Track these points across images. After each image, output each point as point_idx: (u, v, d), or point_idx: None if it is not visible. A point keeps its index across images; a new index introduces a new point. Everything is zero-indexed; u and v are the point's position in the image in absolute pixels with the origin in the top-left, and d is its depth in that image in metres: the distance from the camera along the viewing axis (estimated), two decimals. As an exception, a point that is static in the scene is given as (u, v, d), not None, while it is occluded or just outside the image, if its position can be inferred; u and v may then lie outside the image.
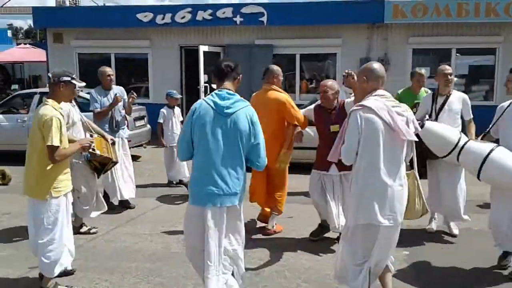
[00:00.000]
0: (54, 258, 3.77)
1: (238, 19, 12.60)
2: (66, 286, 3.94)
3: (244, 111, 3.16)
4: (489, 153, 4.00)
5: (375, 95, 3.23)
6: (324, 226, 5.06)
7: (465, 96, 5.22)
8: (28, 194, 3.87)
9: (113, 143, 5.15)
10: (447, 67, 5.37)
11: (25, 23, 52.94)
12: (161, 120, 7.45)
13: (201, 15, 12.73)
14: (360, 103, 3.22)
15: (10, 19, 49.39)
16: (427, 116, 5.10)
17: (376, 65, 3.36)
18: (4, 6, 25.86)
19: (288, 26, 12.58)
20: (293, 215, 5.88)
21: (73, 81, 3.86)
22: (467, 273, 4.34)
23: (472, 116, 5.10)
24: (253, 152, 3.20)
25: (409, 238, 5.20)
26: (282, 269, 4.39)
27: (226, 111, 3.12)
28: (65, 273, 4.07)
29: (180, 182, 7.47)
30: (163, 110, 7.52)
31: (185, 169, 7.33)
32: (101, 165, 4.99)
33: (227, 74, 3.26)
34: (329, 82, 4.98)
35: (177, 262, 4.48)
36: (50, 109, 3.70)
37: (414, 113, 4.06)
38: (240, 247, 3.28)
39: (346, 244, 3.38)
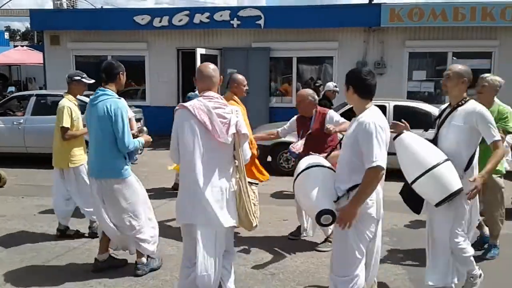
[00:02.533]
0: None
1: (235, 22, 12.63)
2: None
3: (103, 103, 3.87)
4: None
5: (202, 95, 3.17)
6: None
7: (480, 108, 3.44)
8: (56, 165, 5.05)
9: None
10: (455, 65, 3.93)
11: (22, 25, 52.98)
12: None
13: (198, 18, 12.76)
14: (180, 103, 3.24)
15: (8, 21, 49.52)
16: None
17: (204, 67, 3.25)
18: (1, 8, 25.84)
19: (285, 29, 12.62)
20: (288, 218, 5.88)
21: (83, 80, 5.02)
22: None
23: (496, 138, 3.37)
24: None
25: (402, 240, 5.21)
26: (277, 271, 4.39)
27: (92, 103, 3.96)
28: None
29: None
30: None
31: None
32: None
33: (110, 77, 4.04)
34: (303, 91, 5.14)
35: (172, 265, 4.47)
36: (65, 100, 4.99)
37: None
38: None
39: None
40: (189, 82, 13.33)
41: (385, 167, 2.89)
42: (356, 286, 3.03)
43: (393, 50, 12.41)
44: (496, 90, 4.50)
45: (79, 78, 4.98)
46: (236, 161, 3.15)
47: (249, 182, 3.20)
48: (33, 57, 19.73)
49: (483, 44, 12.13)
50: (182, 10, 13.03)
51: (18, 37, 48.57)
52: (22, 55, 20.86)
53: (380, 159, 2.84)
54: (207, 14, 12.76)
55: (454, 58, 12.36)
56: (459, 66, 3.63)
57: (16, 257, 4.66)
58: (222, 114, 3.07)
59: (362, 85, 3.01)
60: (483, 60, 12.38)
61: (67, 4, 17.22)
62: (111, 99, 3.88)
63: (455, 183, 3.22)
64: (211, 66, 3.27)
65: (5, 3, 26.36)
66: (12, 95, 11.52)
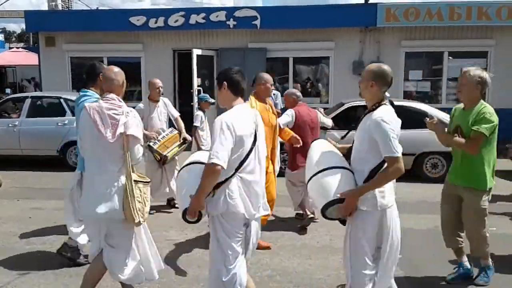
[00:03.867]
0: None
1: (231, 22, 12.61)
2: None
3: (83, 104, 3.81)
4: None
5: (102, 97, 3.46)
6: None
7: (380, 117, 2.93)
8: None
9: (184, 143, 6.31)
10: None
11: (18, 26, 52.79)
12: (197, 124, 7.04)
13: (194, 18, 12.72)
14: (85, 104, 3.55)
15: (3, 22, 49.30)
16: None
17: (107, 70, 3.52)
18: (-4, 9, 25.73)
19: (281, 29, 12.60)
20: (284, 220, 5.87)
21: None
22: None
23: (394, 155, 2.87)
24: None
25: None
26: (274, 273, 4.37)
27: (76, 104, 4.20)
28: None
29: None
30: (201, 114, 7.14)
31: None
32: (160, 158, 6.05)
33: (90, 79, 4.21)
34: (291, 90, 5.88)
35: (169, 268, 4.45)
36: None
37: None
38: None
39: None
40: (184, 83, 13.37)
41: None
42: (233, 282, 3.06)
43: (389, 50, 12.41)
44: (479, 87, 3.80)
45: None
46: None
47: (135, 181, 3.35)
48: (29, 58, 19.66)
49: (479, 44, 12.15)
50: (178, 10, 12.99)
51: (13, 39, 48.39)
52: (17, 56, 20.80)
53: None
54: (203, 14, 12.73)
55: (450, 57, 12.38)
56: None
57: (11, 261, 4.62)
58: (113, 115, 3.30)
59: (234, 83, 3.13)
60: (479, 60, 12.40)
61: (62, 5, 17.17)
62: (89, 98, 4.03)
63: (335, 193, 2.95)
64: (115, 69, 3.52)
65: (0, 5, 26.26)
66: (8, 97, 11.46)
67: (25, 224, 5.74)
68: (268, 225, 5.72)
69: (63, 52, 13.60)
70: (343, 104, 8.86)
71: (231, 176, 2.98)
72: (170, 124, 6.68)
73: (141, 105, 6.39)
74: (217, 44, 13.02)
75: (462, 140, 3.79)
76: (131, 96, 13.69)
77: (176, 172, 6.20)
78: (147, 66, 13.36)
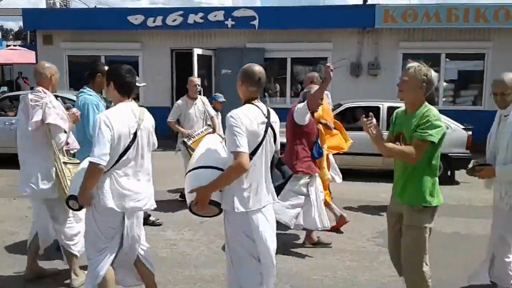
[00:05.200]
0: None
1: (229, 22, 12.61)
2: None
3: (79, 99, 4.37)
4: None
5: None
6: None
7: (229, 114, 2.91)
8: None
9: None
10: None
11: (15, 24, 52.67)
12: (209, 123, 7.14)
13: (192, 18, 12.71)
14: None
15: (0, 20, 49.13)
16: None
17: (37, 65, 4.00)
18: (-6, 7, 25.64)
19: (279, 30, 12.60)
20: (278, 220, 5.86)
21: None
22: (456, 275, 4.35)
23: (237, 150, 2.82)
24: None
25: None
26: (270, 274, 4.37)
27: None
28: None
29: None
30: (214, 113, 7.23)
31: None
32: None
33: (89, 76, 4.52)
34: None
35: (165, 267, 4.44)
36: None
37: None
38: None
39: None
40: (183, 82, 13.33)
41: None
42: (96, 271, 3.23)
43: (387, 51, 12.43)
44: (423, 87, 3.18)
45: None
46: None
47: (64, 162, 3.81)
48: (26, 56, 19.59)
49: (477, 46, 12.18)
50: (176, 10, 12.98)
51: (11, 37, 48.24)
52: (15, 54, 20.71)
53: None
54: (201, 14, 12.73)
55: (448, 59, 12.41)
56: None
57: (7, 259, 4.61)
58: (34, 105, 3.77)
59: (121, 82, 3.23)
60: (476, 62, 12.44)
61: (60, 3, 17.12)
62: (83, 95, 4.42)
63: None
64: (46, 65, 3.98)
65: (-2, 2, 26.17)
66: (4, 95, 11.41)
67: (21, 223, 5.72)
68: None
69: (61, 50, 13.57)
70: (341, 105, 8.87)
71: (106, 172, 3.11)
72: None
73: (179, 101, 6.79)
74: (215, 43, 13.02)
75: (405, 148, 3.14)
76: (128, 95, 13.66)
77: None
78: (145, 65, 13.34)
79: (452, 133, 7.87)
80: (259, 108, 3.04)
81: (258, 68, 3.09)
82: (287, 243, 5.20)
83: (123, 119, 3.14)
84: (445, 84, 12.53)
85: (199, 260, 4.69)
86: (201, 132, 6.37)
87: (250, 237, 3.01)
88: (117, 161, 3.12)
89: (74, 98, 9.25)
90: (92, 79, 4.50)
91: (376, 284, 4.22)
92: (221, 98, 7.58)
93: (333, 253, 4.78)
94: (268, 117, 3.04)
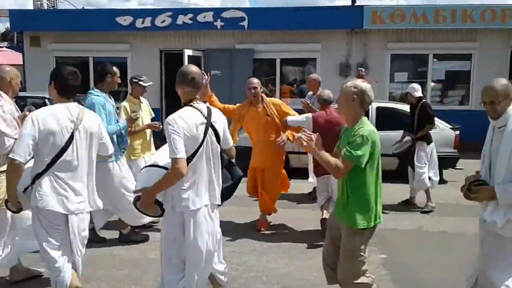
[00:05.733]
0: None
1: (218, 23, 12.60)
2: None
3: (87, 100, 4.72)
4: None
5: None
6: None
7: (167, 119, 3.05)
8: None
9: None
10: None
11: (2, 25, 51.95)
12: None
13: (181, 19, 12.68)
14: None
15: (-13, 21, 48.40)
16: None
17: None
18: (-20, 8, 25.31)
19: (268, 30, 12.62)
20: (271, 220, 5.88)
21: (139, 82, 5.67)
22: (445, 275, 4.39)
23: (175, 156, 2.97)
24: None
25: (385, 241, 5.25)
26: (260, 274, 4.38)
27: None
28: None
29: None
30: None
31: None
32: None
33: (97, 79, 4.98)
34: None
35: (154, 269, 4.41)
36: (125, 101, 5.69)
37: None
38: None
39: None
40: (172, 83, 13.27)
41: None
42: (57, 274, 3.23)
43: (376, 52, 12.51)
44: (355, 99, 3.11)
45: (136, 80, 5.63)
46: None
47: (1, 171, 3.61)
48: (13, 58, 19.38)
49: (463, 46, 12.30)
50: (165, 11, 12.94)
51: (-3, 38, 47.63)
52: (1, 56, 20.48)
53: None
54: (190, 15, 12.70)
55: (435, 60, 12.52)
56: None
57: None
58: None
59: (61, 84, 3.26)
60: (463, 62, 12.58)
61: (47, 4, 16.97)
62: (90, 96, 4.77)
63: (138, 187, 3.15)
64: (6, 68, 3.93)
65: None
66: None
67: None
68: (255, 226, 5.74)
69: (48, 52, 13.45)
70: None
71: (42, 172, 3.13)
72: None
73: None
74: (204, 44, 12.99)
75: (333, 161, 3.06)
76: (117, 96, 13.59)
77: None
78: (133, 66, 13.26)
79: (439, 132, 7.95)
80: (198, 109, 3.08)
81: (192, 69, 3.15)
82: (277, 243, 5.21)
83: (56, 119, 3.14)
84: (432, 84, 12.65)
85: (189, 262, 4.69)
86: None
87: (183, 236, 3.09)
88: (53, 162, 3.13)
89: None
90: (101, 80, 4.89)
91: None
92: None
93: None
94: (208, 117, 3.07)
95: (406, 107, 8.93)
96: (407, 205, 6.86)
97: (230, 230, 5.61)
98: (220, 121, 3.19)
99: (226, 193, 3.27)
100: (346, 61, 12.57)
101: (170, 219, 3.10)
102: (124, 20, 12.83)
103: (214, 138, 3.11)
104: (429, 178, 6.75)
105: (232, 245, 5.11)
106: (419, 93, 6.85)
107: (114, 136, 4.76)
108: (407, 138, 6.77)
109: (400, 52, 12.55)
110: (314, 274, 4.40)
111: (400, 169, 8.33)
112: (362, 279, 3.21)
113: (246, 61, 12.59)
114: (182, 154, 2.88)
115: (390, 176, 8.28)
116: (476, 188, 3.00)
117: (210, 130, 3.07)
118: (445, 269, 4.51)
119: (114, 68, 4.99)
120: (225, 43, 12.91)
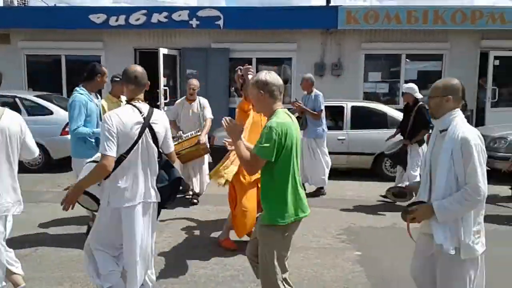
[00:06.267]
0: None
1: (194, 22, 12.52)
2: None
3: (71, 97, 4.75)
4: None
5: None
6: None
7: (103, 118, 3.20)
8: None
9: (198, 143, 6.20)
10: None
11: (-31, 22, 50.37)
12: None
13: (156, 17, 12.55)
14: None
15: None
16: None
17: None
18: None
19: (244, 30, 12.62)
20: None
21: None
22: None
23: (103, 152, 3.08)
24: None
25: (360, 238, 5.33)
26: (237, 273, 4.38)
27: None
28: None
29: None
30: None
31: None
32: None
33: (84, 77, 4.86)
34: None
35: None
36: (103, 100, 5.41)
37: None
38: None
39: None
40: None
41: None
42: None
43: (350, 52, 12.66)
44: (260, 92, 2.95)
45: (118, 79, 5.33)
46: None
47: None
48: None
49: (435, 47, 12.57)
50: (139, 9, 12.76)
51: (-36, 35, 46.19)
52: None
53: None
54: (165, 13, 12.57)
55: (408, 60, 12.77)
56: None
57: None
58: None
59: None
60: (434, 62, 12.86)
61: (18, 0, 16.55)
62: (74, 94, 4.78)
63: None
64: None
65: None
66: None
67: None
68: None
69: (19, 50, 13.12)
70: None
71: None
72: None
73: (178, 101, 6.94)
74: (180, 43, 12.90)
75: (245, 154, 2.92)
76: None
77: (203, 171, 6.66)
78: (107, 64, 12.93)
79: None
80: (138, 108, 3.14)
81: (136, 68, 3.28)
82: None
83: None
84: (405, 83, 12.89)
85: (180, 261, 4.65)
86: (190, 134, 6.39)
87: (118, 232, 3.18)
88: None
89: (33, 98, 9.07)
90: (90, 79, 4.86)
91: (341, 280, 4.29)
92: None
93: (298, 251, 4.83)
94: (147, 117, 3.12)
95: (379, 106, 9.13)
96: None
97: (207, 229, 5.60)
98: (161, 123, 3.25)
99: (162, 193, 3.32)
100: (321, 61, 12.69)
101: (106, 214, 3.19)
102: (98, 18, 12.62)
103: (150, 139, 3.17)
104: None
105: (208, 245, 5.10)
106: (419, 95, 6.82)
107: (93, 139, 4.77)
108: (399, 138, 6.85)
109: (374, 52, 12.74)
110: (289, 271, 4.42)
111: (375, 168, 8.49)
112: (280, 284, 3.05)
113: (222, 60, 12.57)
114: (111, 152, 2.98)
115: (365, 175, 8.45)
116: (413, 208, 2.81)
117: (147, 130, 3.13)
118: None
119: (104, 68, 5.00)
120: (201, 42, 12.85)
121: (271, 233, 3.00)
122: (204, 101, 6.72)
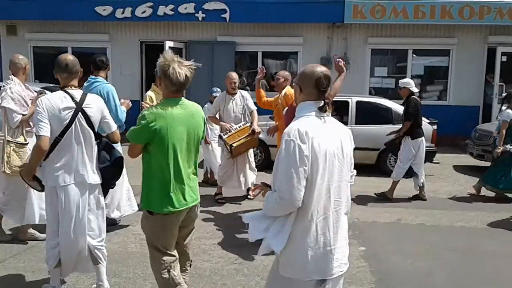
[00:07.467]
0: None
1: (200, 15, 12.50)
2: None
3: (97, 88, 4.74)
4: None
5: None
6: None
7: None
8: None
9: (253, 133, 6.23)
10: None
11: (-24, 13, 50.48)
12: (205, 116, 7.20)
13: (162, 10, 12.53)
14: None
15: (-40, 8, 46.88)
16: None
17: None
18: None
19: (250, 23, 12.59)
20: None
21: None
22: (421, 264, 4.49)
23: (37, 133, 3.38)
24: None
25: (364, 234, 5.35)
26: (241, 267, 4.41)
27: (88, 89, 4.68)
28: None
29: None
30: (207, 106, 7.26)
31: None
32: (229, 149, 6.21)
33: (100, 67, 5.00)
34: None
35: (134, 262, 4.42)
36: (150, 90, 6.06)
37: None
38: None
39: None
40: (153, 75, 13.14)
41: None
42: None
43: (356, 47, 12.61)
44: (161, 79, 3.21)
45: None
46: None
47: (8, 141, 4.38)
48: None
49: (442, 42, 12.49)
50: (146, 1, 12.72)
51: (-29, 26, 46.31)
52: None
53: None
54: (171, 6, 12.55)
55: (414, 55, 12.69)
56: None
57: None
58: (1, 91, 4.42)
59: None
60: (441, 58, 12.77)
61: (24, -8, 16.54)
62: (101, 84, 4.86)
63: None
64: (20, 56, 4.60)
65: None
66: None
67: None
68: (236, 219, 5.77)
69: (25, 41, 13.17)
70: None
71: None
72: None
73: (218, 96, 6.80)
74: (186, 36, 12.89)
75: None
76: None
77: (247, 165, 6.60)
78: (113, 57, 13.07)
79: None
80: (70, 94, 3.40)
81: (67, 57, 3.53)
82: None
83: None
84: (411, 79, 12.82)
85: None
86: (239, 127, 6.39)
87: (57, 210, 3.44)
88: None
89: (40, 90, 9.02)
90: (104, 68, 5.05)
91: (346, 275, 4.30)
92: (216, 92, 7.35)
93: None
94: (79, 103, 3.38)
95: (385, 101, 9.10)
96: (417, 199, 6.96)
97: (212, 223, 5.63)
98: (95, 106, 3.50)
99: (106, 173, 3.57)
100: (327, 55, 12.63)
101: (47, 194, 3.48)
102: (104, 10, 12.63)
103: (84, 122, 3.40)
104: (415, 174, 6.92)
105: (213, 238, 5.13)
106: (415, 88, 7.00)
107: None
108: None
109: (380, 47, 12.68)
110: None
111: (379, 163, 8.47)
112: (164, 273, 3.08)
113: (227, 53, 12.55)
114: (44, 133, 3.23)
115: (369, 170, 8.44)
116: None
117: (80, 114, 3.38)
118: (421, 260, 4.62)
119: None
120: (207, 35, 12.84)
121: (148, 220, 3.06)
122: (246, 94, 6.65)
